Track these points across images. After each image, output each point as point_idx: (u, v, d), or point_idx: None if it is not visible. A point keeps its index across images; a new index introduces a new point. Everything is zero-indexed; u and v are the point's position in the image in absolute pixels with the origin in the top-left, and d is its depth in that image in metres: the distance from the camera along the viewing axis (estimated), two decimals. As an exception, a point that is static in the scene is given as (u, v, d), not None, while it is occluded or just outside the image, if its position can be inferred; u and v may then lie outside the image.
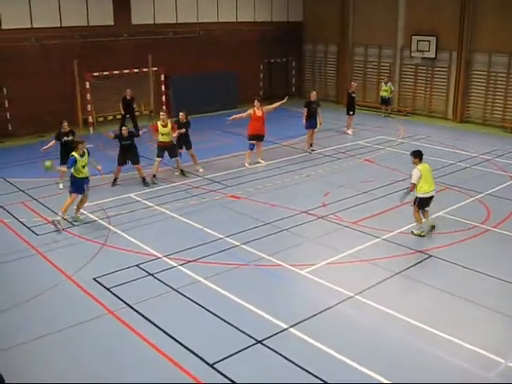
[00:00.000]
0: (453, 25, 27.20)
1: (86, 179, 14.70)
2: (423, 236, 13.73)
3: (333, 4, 31.98)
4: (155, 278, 11.60)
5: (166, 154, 18.24)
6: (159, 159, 18.19)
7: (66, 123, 17.41)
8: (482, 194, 16.80)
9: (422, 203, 13.70)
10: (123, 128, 17.58)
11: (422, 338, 9.53)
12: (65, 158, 17.26)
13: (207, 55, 28.93)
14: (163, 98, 27.74)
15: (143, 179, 17.73)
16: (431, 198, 13.80)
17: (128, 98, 24.03)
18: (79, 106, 25.37)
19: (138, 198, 16.40)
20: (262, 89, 32.63)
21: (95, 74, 25.26)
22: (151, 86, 27.36)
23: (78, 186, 14.52)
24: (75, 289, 11.20)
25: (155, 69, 27.16)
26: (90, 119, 25.41)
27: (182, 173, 18.58)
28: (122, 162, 17.61)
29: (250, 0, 31.23)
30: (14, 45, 23.06)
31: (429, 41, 28.25)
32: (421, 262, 12.42)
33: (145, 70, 26.85)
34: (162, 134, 18.01)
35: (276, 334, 9.59)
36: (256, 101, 19.89)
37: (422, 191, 13.58)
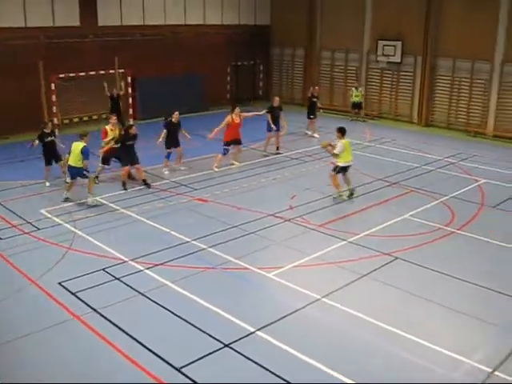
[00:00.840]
0: (418, 30, 27.56)
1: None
2: (344, 200, 16.34)
3: (300, 8, 32.14)
4: (121, 282, 11.50)
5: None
6: (103, 166, 18.18)
7: (49, 124, 17.86)
8: (446, 197, 17.02)
9: (342, 170, 16.49)
10: (133, 128, 17.75)
11: (389, 340, 9.62)
12: (48, 157, 17.41)
13: (174, 57, 28.81)
14: (130, 100, 27.52)
15: (144, 181, 17.72)
16: (349, 166, 16.65)
17: (114, 96, 24.00)
18: (45, 107, 24.99)
19: (104, 201, 16.26)
20: (229, 92, 32.63)
21: (61, 75, 24.92)
22: (118, 88, 27.08)
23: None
24: (40, 293, 11.04)
25: (122, 70, 26.94)
26: (56, 121, 25.06)
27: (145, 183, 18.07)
28: (127, 162, 17.56)
29: (218, 3, 31.23)
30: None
31: (394, 45, 28.61)
32: (387, 264, 12.53)
33: (111, 71, 26.59)
34: (111, 139, 17.72)
35: (243, 337, 9.59)
36: (237, 108, 19.99)
37: (343, 161, 16.41)
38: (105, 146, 17.71)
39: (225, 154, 19.84)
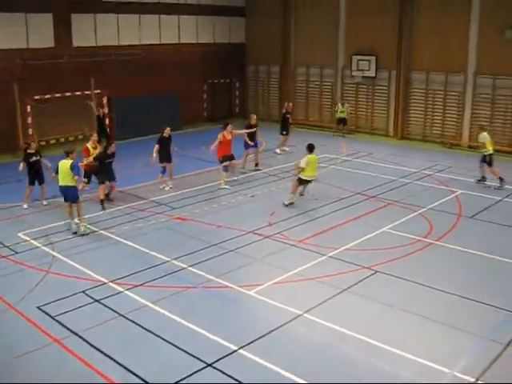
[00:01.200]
0: (391, 44, 27.94)
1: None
2: (292, 203, 17.46)
3: (274, 25, 32.37)
4: (102, 304, 11.41)
5: None
6: (88, 184, 18.37)
7: (33, 144, 17.76)
8: (424, 209, 17.16)
9: (302, 183, 17.72)
10: (112, 145, 17.92)
11: (372, 354, 9.64)
12: (32, 178, 17.43)
13: (150, 77, 28.79)
14: (107, 120, 27.44)
15: (107, 195, 17.97)
16: (310, 181, 17.87)
17: (101, 116, 23.99)
18: (20, 129, 24.86)
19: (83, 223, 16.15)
20: (205, 110, 32.67)
21: (36, 97, 24.85)
22: (94, 110, 26.99)
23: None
24: (19, 318, 10.89)
25: (98, 91, 26.88)
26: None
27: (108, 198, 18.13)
28: (104, 179, 17.69)
29: (193, 22, 31.34)
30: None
31: (369, 60, 28.92)
32: (367, 277, 12.58)
33: (87, 92, 26.52)
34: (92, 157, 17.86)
35: (226, 356, 9.54)
36: (230, 125, 20.06)
37: (305, 175, 17.47)
38: (86, 162, 17.81)
39: (226, 170, 19.97)
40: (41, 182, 17.67)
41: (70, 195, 15.30)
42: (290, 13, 31.94)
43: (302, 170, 17.36)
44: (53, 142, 25.67)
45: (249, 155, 22.07)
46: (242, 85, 34.88)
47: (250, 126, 21.87)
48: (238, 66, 34.29)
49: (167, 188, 19.40)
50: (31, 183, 17.55)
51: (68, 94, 25.67)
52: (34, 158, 17.43)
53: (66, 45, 26.08)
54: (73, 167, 15.07)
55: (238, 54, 33.92)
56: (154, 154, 19.07)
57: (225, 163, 19.86)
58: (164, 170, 19.43)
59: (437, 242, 14.65)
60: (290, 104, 26.63)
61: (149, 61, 28.89)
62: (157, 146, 19.17)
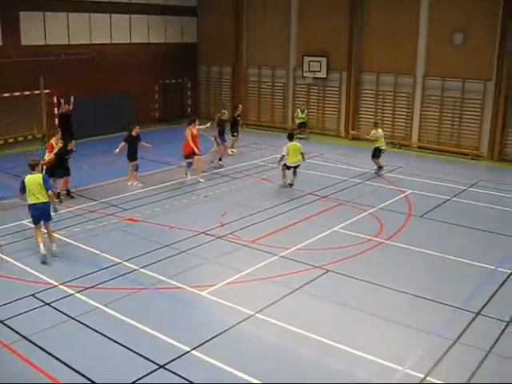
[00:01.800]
0: (342, 46, 28.29)
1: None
2: (291, 185, 19.66)
3: (226, 26, 32.40)
4: (52, 307, 11.25)
5: None
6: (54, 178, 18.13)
7: None
8: (374, 208, 17.43)
9: (288, 167, 19.62)
10: (73, 142, 18.19)
11: (324, 352, 9.75)
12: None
13: (102, 77, 28.47)
14: (56, 121, 26.99)
15: (68, 191, 18.33)
16: (296, 166, 19.72)
17: (68, 112, 23.75)
18: (-34, 130, 24.38)
19: (31, 225, 15.84)
20: (157, 110, 32.47)
21: (-17, 96, 24.35)
22: (44, 109, 26.62)
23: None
24: (-34, 322, 10.71)
25: (47, 91, 26.48)
26: (-21, 144, 24.45)
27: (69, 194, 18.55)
28: (62, 174, 17.96)
29: (144, 21, 31.11)
30: None
31: (320, 61, 29.18)
32: (319, 277, 12.71)
33: (36, 92, 26.11)
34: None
35: (178, 357, 9.53)
36: (196, 120, 20.77)
37: (289, 162, 19.53)
38: (47, 158, 17.65)
39: (189, 166, 20.53)
40: None
41: (46, 213, 13.56)
42: (241, 13, 32.01)
43: (283, 156, 19.47)
44: (1, 142, 25.18)
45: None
46: (194, 85, 34.76)
47: (221, 122, 23.06)
48: (190, 67, 34.19)
49: (139, 185, 19.77)
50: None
51: (16, 93, 25.19)
52: None
53: (14, 43, 25.56)
54: (45, 180, 13.40)
55: (189, 54, 33.83)
56: (117, 150, 19.26)
57: (189, 159, 20.38)
58: (137, 168, 19.71)
59: (387, 241, 14.90)
60: (240, 106, 26.67)
61: (100, 60, 28.55)
62: (122, 144, 19.35)
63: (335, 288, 12.25)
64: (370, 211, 17.25)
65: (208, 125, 22.35)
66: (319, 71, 29.35)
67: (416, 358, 9.65)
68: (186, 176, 20.66)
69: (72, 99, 24.18)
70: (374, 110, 28.43)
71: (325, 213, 17.11)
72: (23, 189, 13.46)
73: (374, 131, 22.06)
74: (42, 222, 13.72)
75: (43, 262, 13.22)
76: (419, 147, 26.95)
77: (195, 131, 20.29)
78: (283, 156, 19.47)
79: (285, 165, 19.67)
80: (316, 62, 29.31)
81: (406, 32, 26.38)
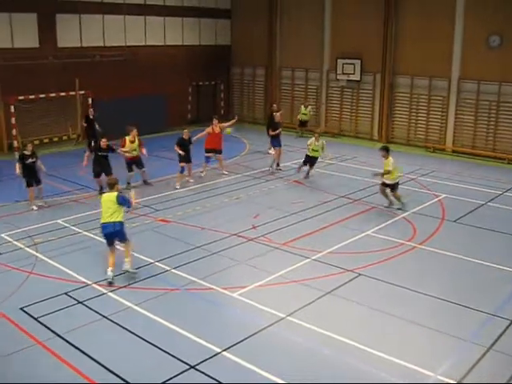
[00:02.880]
0: (376, 49, 28.10)
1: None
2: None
3: (260, 28, 32.46)
4: (85, 305, 11.37)
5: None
6: (132, 173, 19.59)
7: (29, 145, 17.62)
8: (407, 213, 17.27)
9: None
10: (103, 140, 18.74)
11: (355, 356, 9.68)
12: (29, 179, 17.36)
13: (136, 78, 28.75)
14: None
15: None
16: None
17: (91, 117, 24.00)
18: (3, 130, 24.75)
19: (66, 224, 16.09)
20: (190, 112, 32.62)
21: (20, 97, 24.72)
22: (78, 110, 26.95)
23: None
24: (1, 320, 10.83)
25: (82, 92, 26.81)
26: (16, 144, 24.80)
27: (146, 183, 20.15)
28: (97, 173, 18.64)
29: (178, 23, 31.33)
30: None
31: (354, 64, 29.04)
32: (351, 280, 12.63)
33: (72, 93, 26.45)
34: (132, 149, 19.20)
35: (209, 358, 9.55)
36: (214, 119, 21.36)
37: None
38: (122, 152, 19.26)
39: (207, 161, 21.24)
40: (38, 183, 17.56)
41: (120, 233, 12.74)
42: (275, 15, 32.04)
43: (389, 172, 17.38)
44: (37, 142, 25.53)
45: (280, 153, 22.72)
46: (227, 87, 34.90)
47: (274, 122, 23.03)
48: (224, 68, 34.31)
49: (191, 180, 20.53)
50: (30, 185, 17.36)
51: (52, 94, 25.57)
52: (30, 160, 17.28)
53: (51, 45, 25.97)
54: (120, 200, 12.66)
55: (223, 56, 33.96)
56: (180, 152, 19.81)
57: (208, 154, 21.04)
58: (182, 170, 20.04)
59: (420, 246, 14.75)
60: (274, 105, 26.80)
61: (134, 62, 28.82)
62: (176, 147, 20.00)
63: (367, 292, 12.16)
64: (402, 215, 17.10)
65: (234, 121, 22.85)
66: (353, 74, 29.22)
67: (448, 365, 9.53)
68: (201, 172, 21.26)
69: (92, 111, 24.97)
70: (407, 113, 28.17)
71: (357, 216, 17.01)
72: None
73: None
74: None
75: (110, 283, 12.33)
76: (453, 151, 26.64)
77: (216, 130, 21.08)
78: (388, 172, 17.32)
79: (394, 185, 17.59)
80: (350, 64, 29.18)
81: (440, 34, 26.06)
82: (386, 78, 28.23)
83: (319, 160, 21.34)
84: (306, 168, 21.10)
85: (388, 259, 13.87)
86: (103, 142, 18.71)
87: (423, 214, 17.28)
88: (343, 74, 29.56)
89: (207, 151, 21.18)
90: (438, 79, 26.74)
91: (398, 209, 17.50)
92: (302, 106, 29.62)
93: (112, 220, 12.52)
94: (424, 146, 27.36)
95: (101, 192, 18.22)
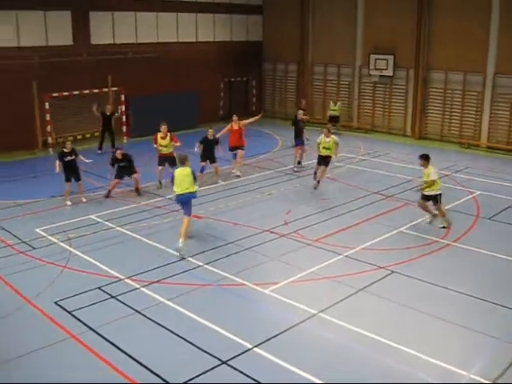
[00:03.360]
0: (409, 43, 27.78)
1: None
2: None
3: (292, 23, 32.35)
4: (118, 300, 11.46)
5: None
6: (160, 167, 19.36)
7: (69, 144, 17.83)
8: (441, 210, 17.05)
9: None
10: (117, 152, 18.36)
11: (387, 354, 9.60)
12: (69, 175, 17.57)
13: (168, 75, 28.89)
14: (124, 118, 27.55)
15: (137, 190, 18.58)
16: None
17: (108, 113, 24.17)
18: (38, 126, 25.06)
19: (99, 220, 16.23)
20: (221, 108, 32.67)
21: (54, 94, 24.99)
22: (111, 107, 27.12)
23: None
24: (36, 313, 10.99)
25: (115, 89, 27.02)
26: (50, 140, 25.09)
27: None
28: (119, 176, 18.46)
29: (210, 20, 31.39)
30: (-30, 65, 22.75)
31: (386, 59, 28.79)
32: (383, 277, 12.52)
33: (105, 90, 26.67)
34: (162, 146, 19.21)
35: (241, 353, 9.55)
36: (234, 115, 21.27)
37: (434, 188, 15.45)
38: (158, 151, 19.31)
39: (234, 158, 21.16)
40: (77, 180, 17.80)
41: (185, 202, 14.38)
42: (308, 11, 31.89)
43: (434, 182, 15.32)
44: (70, 138, 25.72)
45: (303, 152, 22.46)
46: (259, 83, 34.88)
47: (296, 122, 22.65)
48: (255, 64, 34.30)
49: (221, 182, 20.19)
50: (68, 180, 17.62)
51: (86, 91, 25.81)
52: (69, 158, 17.54)
53: (85, 42, 26.22)
54: (193, 173, 14.46)
55: (255, 52, 33.94)
56: (196, 149, 19.70)
57: (232, 152, 21.07)
58: (203, 169, 19.73)
59: (454, 243, 14.55)
60: (303, 100, 26.76)
61: (166, 59, 28.97)
62: (197, 144, 19.80)
63: (400, 289, 12.04)
64: (436, 212, 16.88)
65: (257, 117, 22.89)
66: (386, 69, 28.97)
67: (481, 364, 9.39)
68: (232, 169, 21.35)
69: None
70: (441, 108, 27.83)
71: (390, 213, 16.86)
72: (172, 179, 14.69)
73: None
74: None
75: (182, 258, 13.48)
76: (488, 147, 26.23)
77: (235, 126, 20.87)
78: (433, 181, 15.29)
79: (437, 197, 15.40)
80: (382, 59, 28.94)
81: (476, 29, 25.61)
82: (420, 73, 27.91)
83: (350, 156, 21.16)
84: (318, 173, 19.10)
85: (421, 256, 13.72)
86: (118, 154, 18.28)
87: (457, 210, 17.04)
88: (376, 69, 29.33)
89: (229, 149, 21.09)
90: (472, 74, 26.32)
91: (443, 227, 15.52)
92: (331, 102, 29.43)
93: (188, 191, 14.25)
94: (458, 142, 26.99)
95: (137, 192, 18.52)
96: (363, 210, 17.10)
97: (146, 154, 20.31)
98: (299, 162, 22.27)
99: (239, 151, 20.96)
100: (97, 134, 25.61)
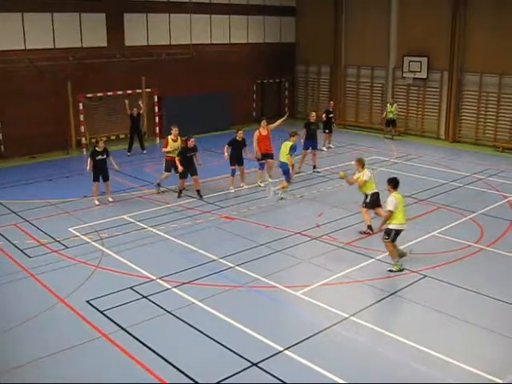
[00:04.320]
0: (444, 46, 27.49)
1: None
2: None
3: (325, 25, 32.24)
4: (149, 300, 11.52)
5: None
6: (166, 173, 18.86)
7: (101, 143, 17.90)
8: (475, 214, 16.83)
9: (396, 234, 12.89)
10: (191, 140, 18.17)
11: (418, 359, 9.49)
12: (98, 174, 17.62)
13: (200, 76, 29.04)
14: (157, 119, 27.75)
15: (198, 191, 18.35)
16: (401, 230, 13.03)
17: (134, 115, 24.32)
18: (72, 127, 25.37)
19: (132, 220, 16.34)
20: (254, 110, 32.69)
21: (89, 95, 25.29)
22: (145, 107, 27.33)
23: None
24: (68, 312, 11.11)
25: (149, 90, 27.23)
26: (84, 140, 25.36)
27: (198, 194, 18.54)
28: (184, 174, 18.25)
29: (243, 21, 31.45)
30: (7, 66, 23.08)
31: (420, 61, 28.53)
32: (415, 282, 12.39)
33: (138, 91, 26.88)
34: (173, 149, 18.61)
35: (271, 356, 9.52)
36: (263, 121, 20.23)
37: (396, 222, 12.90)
38: (166, 154, 18.65)
39: (261, 168, 20.07)
40: (105, 179, 17.87)
41: (284, 170, 18.23)
42: (341, 13, 31.76)
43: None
44: (104, 139, 25.98)
45: (306, 155, 21.95)
46: (292, 85, 34.83)
47: (308, 124, 22.08)
48: (288, 66, 34.27)
49: (245, 186, 19.68)
50: (96, 179, 17.69)
51: (119, 92, 26.05)
52: (100, 157, 17.65)
53: (119, 44, 26.49)
54: (291, 147, 17.95)
55: (288, 54, 33.91)
56: (226, 154, 19.17)
57: (261, 161, 19.94)
58: (233, 172, 19.37)
59: (488, 248, 14.34)
60: (331, 102, 26.63)
61: (199, 60, 29.11)
62: (226, 147, 19.20)
63: (432, 294, 11.89)
64: (470, 216, 16.67)
65: (284, 118, 22.11)
66: (419, 71, 28.71)
67: (516, 372, 9.23)
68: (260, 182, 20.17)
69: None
70: (476, 111, 27.47)
71: (423, 217, 16.68)
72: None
73: (357, 174, 15.49)
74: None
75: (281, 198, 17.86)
76: (524, 151, 25.88)
77: (264, 132, 19.81)
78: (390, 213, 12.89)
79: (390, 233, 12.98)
80: (416, 62, 28.68)
81: (512, 29, 25.33)
82: (454, 75, 27.59)
83: (383, 159, 20.92)
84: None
85: (454, 261, 13.54)
86: (191, 142, 18.14)
87: (491, 215, 16.80)
88: (409, 71, 29.09)
89: (261, 157, 19.84)
90: (508, 76, 25.93)
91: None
92: (388, 104, 29.01)
93: (283, 160, 18.13)
94: (492, 146, 26.63)
95: (180, 194, 18.48)
96: (396, 213, 16.91)
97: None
98: (314, 167, 21.96)
99: (270, 161, 19.92)
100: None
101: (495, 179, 20.86)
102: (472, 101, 27.60)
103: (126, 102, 24.92)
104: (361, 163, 15.47)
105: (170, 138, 18.82)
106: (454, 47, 27.26)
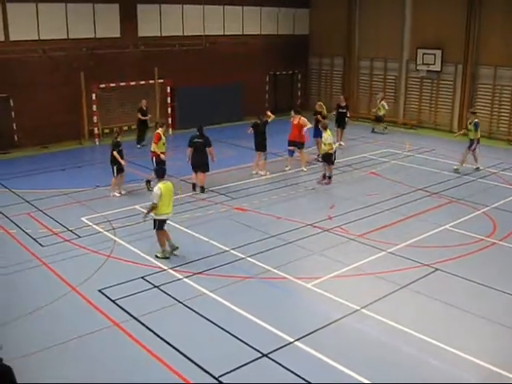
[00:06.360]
0: (458, 38, 27.27)
1: None
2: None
3: (338, 17, 32.09)
4: (160, 290, 11.57)
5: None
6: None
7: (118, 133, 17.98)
8: (487, 208, 16.75)
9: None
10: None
11: (428, 352, 9.48)
12: (120, 166, 17.49)
13: (213, 67, 29.00)
14: (169, 110, 27.77)
15: (201, 187, 18.09)
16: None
17: (144, 108, 24.35)
18: (85, 117, 25.42)
19: (144, 210, 16.29)
20: (267, 101, 32.61)
21: (102, 85, 25.32)
22: (157, 98, 27.40)
23: None
24: (80, 300, 11.18)
25: (161, 81, 27.23)
26: (96, 131, 25.42)
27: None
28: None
29: (256, 13, 31.35)
30: (21, 56, 23.18)
31: (434, 54, 28.33)
32: (427, 275, 12.36)
33: (151, 81, 26.91)
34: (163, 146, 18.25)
35: (281, 347, 9.55)
36: (292, 111, 20.95)
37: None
38: (155, 149, 17.83)
39: (289, 154, 20.72)
40: (123, 170, 17.76)
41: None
42: (354, 5, 31.61)
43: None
44: (117, 129, 26.03)
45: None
46: (305, 77, 34.72)
47: (316, 114, 22.16)
48: (301, 58, 34.15)
49: (262, 173, 20.08)
50: (122, 170, 17.60)
51: (132, 83, 26.08)
52: (120, 148, 17.61)
53: (132, 35, 26.50)
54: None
55: (301, 46, 33.78)
56: (249, 131, 19.79)
57: (289, 147, 20.65)
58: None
59: (500, 242, 14.27)
60: (342, 97, 26.16)
61: (213, 51, 29.09)
62: (250, 129, 19.84)
63: (443, 287, 11.86)
64: (482, 210, 16.59)
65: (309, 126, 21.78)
66: (433, 64, 28.51)
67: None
68: (286, 167, 20.79)
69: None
70: (490, 105, 27.27)
71: (435, 210, 16.62)
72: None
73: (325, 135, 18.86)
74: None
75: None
76: (538, 145, 25.69)
77: (295, 121, 20.39)
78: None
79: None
80: (430, 54, 28.49)
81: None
82: (468, 68, 27.39)
83: (395, 152, 20.87)
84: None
85: (466, 255, 13.49)
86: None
87: (504, 209, 16.71)
88: (423, 64, 28.90)
89: (288, 144, 20.68)
90: (523, 70, 25.75)
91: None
92: (378, 100, 28.76)
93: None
94: (507, 140, 26.45)
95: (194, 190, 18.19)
96: (407, 206, 16.89)
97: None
98: (318, 155, 21.89)
99: (299, 150, 20.60)
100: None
101: (508, 173, 20.73)
102: (486, 94, 27.39)
103: (144, 101, 24.81)
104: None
105: (160, 131, 17.98)
106: (469, 40, 27.04)
